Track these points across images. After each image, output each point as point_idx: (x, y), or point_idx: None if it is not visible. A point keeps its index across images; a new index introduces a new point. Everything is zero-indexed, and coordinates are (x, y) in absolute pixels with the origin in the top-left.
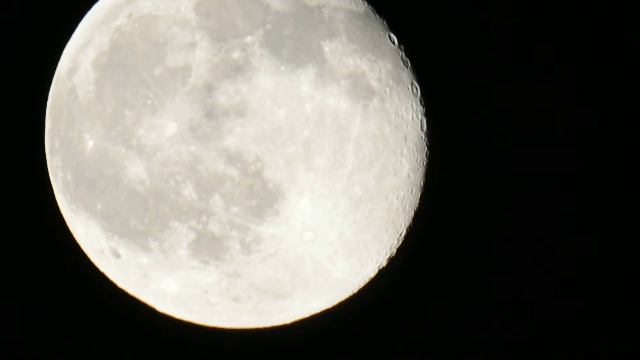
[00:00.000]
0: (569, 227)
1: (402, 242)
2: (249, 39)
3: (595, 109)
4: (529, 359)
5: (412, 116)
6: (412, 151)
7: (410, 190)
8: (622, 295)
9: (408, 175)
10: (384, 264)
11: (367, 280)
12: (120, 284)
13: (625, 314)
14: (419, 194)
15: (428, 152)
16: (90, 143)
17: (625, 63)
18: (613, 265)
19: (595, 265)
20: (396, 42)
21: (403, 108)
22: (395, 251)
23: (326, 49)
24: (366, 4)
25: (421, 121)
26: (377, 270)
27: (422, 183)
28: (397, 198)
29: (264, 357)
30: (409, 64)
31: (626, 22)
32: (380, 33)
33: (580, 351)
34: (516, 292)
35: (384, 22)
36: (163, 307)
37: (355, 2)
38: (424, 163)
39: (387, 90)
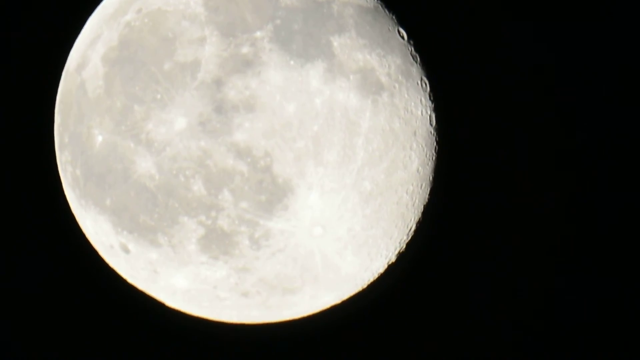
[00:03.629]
0: (574, 224)
1: (412, 237)
2: (258, 34)
3: (600, 108)
4: (538, 355)
5: (422, 111)
6: (422, 146)
7: (419, 185)
8: (625, 295)
9: (417, 170)
10: (394, 259)
11: (376, 275)
12: (130, 279)
13: (626, 315)
14: (429, 189)
15: (437, 147)
16: (100, 138)
17: (628, 64)
18: (614, 266)
19: (599, 265)
20: (405, 37)
21: (412, 103)
22: (404, 246)
23: (335, 44)
24: None
25: (430, 116)
26: (386, 265)
27: (431, 178)
28: (406, 193)
29: (273, 352)
30: (418, 59)
31: (628, 23)
32: (390, 28)
33: (582, 352)
34: (524, 288)
35: (393, 17)
36: (172, 302)
37: None
38: (433, 158)
39: (397, 85)
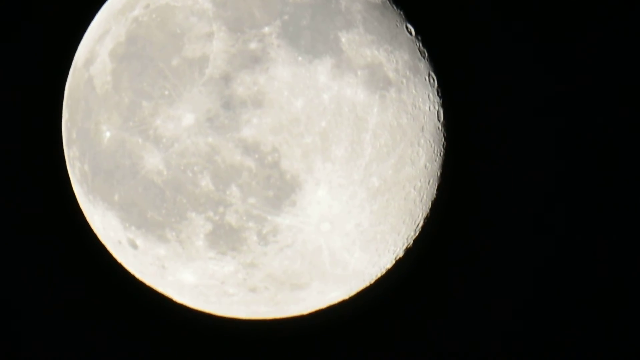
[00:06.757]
0: (578, 223)
1: (419, 233)
2: (266, 29)
3: (604, 107)
4: (542, 351)
5: (429, 107)
6: (429, 142)
7: (427, 181)
8: (625, 296)
9: (425, 166)
10: (401, 254)
11: (384, 271)
12: (138, 274)
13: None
14: (436, 185)
15: (445, 143)
16: (108, 134)
17: (631, 63)
18: (615, 265)
19: (601, 264)
20: (413, 32)
21: (420, 99)
22: (412, 242)
23: (343, 39)
24: None
25: (438, 112)
26: (394, 261)
27: (439, 174)
28: (414, 188)
29: (281, 347)
30: (426, 55)
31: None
32: (397, 24)
33: (583, 352)
34: (528, 285)
35: (401, 13)
36: (180, 297)
37: None
38: (441, 154)
39: (404, 81)
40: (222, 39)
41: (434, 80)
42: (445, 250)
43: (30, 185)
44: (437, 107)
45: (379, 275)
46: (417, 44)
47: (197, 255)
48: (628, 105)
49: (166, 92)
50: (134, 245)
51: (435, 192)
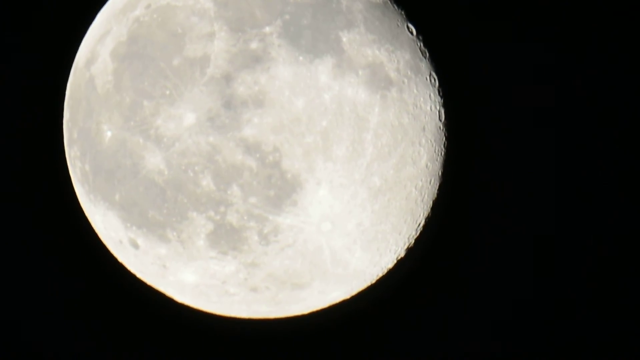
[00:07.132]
0: (580, 223)
1: (421, 233)
2: (267, 29)
3: (606, 107)
4: (546, 350)
5: (430, 106)
6: (430, 141)
7: (428, 181)
8: (625, 296)
9: (426, 166)
10: (402, 254)
11: (385, 270)
12: (139, 274)
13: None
14: (437, 184)
15: (446, 143)
16: (109, 133)
17: (632, 64)
18: (616, 265)
19: (602, 264)
20: (414, 32)
21: (421, 98)
22: (413, 242)
23: (344, 39)
24: None
25: (439, 111)
26: (395, 261)
27: (440, 173)
28: (415, 188)
29: (282, 347)
30: (427, 54)
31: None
32: (399, 23)
33: (586, 352)
34: (530, 285)
35: (402, 12)
36: (181, 297)
37: None
38: (442, 153)
39: (406, 80)
40: (223, 38)
41: (435, 80)
42: (447, 250)
43: (31, 185)
44: (438, 107)
45: (380, 275)
46: (419, 44)
47: (198, 255)
48: (629, 106)
49: (167, 92)
50: (135, 245)
51: (436, 191)
